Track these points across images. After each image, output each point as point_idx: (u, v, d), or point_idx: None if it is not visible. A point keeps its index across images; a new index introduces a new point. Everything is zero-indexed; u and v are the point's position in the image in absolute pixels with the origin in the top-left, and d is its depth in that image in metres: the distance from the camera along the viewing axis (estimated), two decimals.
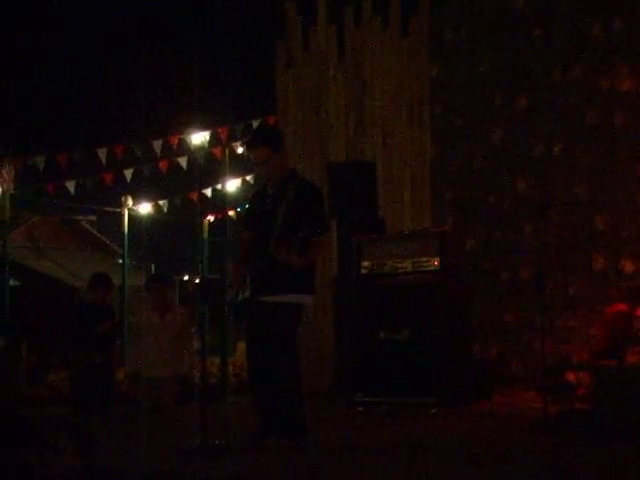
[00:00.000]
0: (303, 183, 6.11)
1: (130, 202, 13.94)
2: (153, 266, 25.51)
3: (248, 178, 12.65)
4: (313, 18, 10.02)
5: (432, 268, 7.80)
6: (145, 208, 14.91)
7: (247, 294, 5.84)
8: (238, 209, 12.69)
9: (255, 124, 12.86)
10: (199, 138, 13.02)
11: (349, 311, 8.21)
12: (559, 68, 8.75)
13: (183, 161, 13.19)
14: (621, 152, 8.34)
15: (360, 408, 7.68)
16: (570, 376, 7.76)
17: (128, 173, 13.16)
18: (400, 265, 7.97)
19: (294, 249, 5.58)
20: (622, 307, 7.30)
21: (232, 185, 12.36)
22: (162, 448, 5.87)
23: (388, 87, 9.71)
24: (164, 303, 8.63)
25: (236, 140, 11.50)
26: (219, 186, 13.99)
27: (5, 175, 12.16)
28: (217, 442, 5.70)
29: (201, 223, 13.46)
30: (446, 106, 9.64)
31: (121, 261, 16.82)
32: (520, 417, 6.91)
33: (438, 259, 7.79)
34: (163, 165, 13.17)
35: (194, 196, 14.42)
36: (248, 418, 5.94)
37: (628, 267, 8.24)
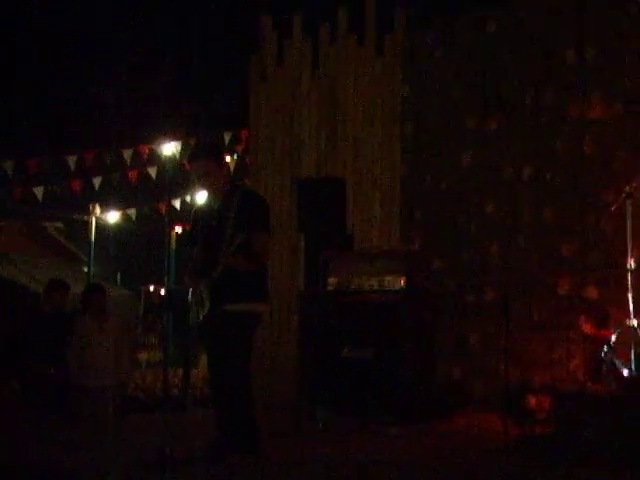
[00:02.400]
0: (246, 193, 6.16)
1: (98, 210, 13.85)
2: (119, 275, 25.36)
3: None
4: (288, 33, 10.04)
5: (398, 287, 7.81)
6: (113, 217, 14.83)
7: (206, 310, 5.86)
8: None
9: (227, 137, 12.86)
10: (170, 149, 12.99)
11: (314, 327, 8.20)
12: (531, 93, 8.80)
13: (153, 171, 13.15)
14: (588, 178, 8.40)
15: (321, 424, 7.66)
16: (531, 400, 7.77)
17: (97, 181, 13.09)
18: (366, 283, 7.98)
19: (237, 251, 5.61)
20: (590, 329, 7.35)
21: (201, 197, 12.32)
22: (118, 459, 5.81)
23: (361, 104, 9.73)
24: (102, 313, 8.63)
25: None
26: (188, 198, 13.97)
27: None
28: (175, 454, 5.66)
29: (169, 234, 13.41)
30: (417, 126, 9.67)
31: (87, 269, 16.71)
32: (481, 439, 6.92)
33: (404, 278, 7.80)
34: (132, 174, 13.13)
35: (162, 207, 14.38)
36: (208, 431, 5.90)
37: (592, 293, 8.28)
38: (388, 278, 7.90)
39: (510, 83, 8.97)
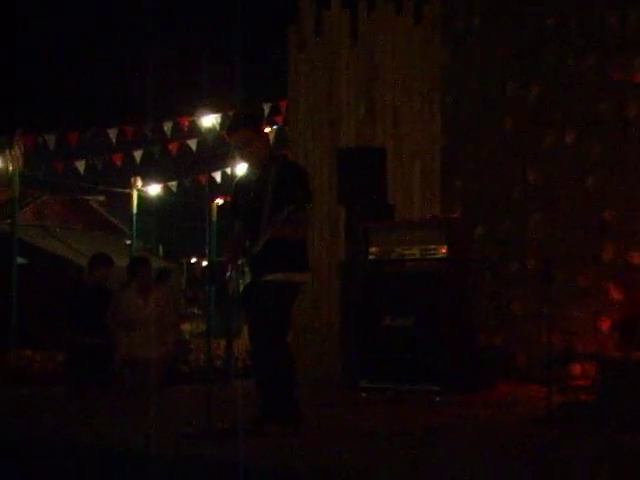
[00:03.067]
0: (286, 164, 6.13)
1: (139, 183, 13.97)
2: (161, 248, 25.54)
3: None
4: (326, 3, 9.99)
5: (439, 256, 7.79)
6: (154, 189, 14.94)
7: (247, 280, 5.88)
8: None
9: (267, 108, 12.87)
10: (210, 121, 13.03)
11: (355, 297, 8.21)
12: (572, 57, 8.70)
13: (193, 143, 13.20)
14: (632, 143, 8.30)
15: (364, 394, 7.69)
16: (575, 367, 7.75)
17: (138, 154, 13.18)
18: (408, 252, 7.97)
19: (285, 221, 5.62)
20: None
21: (242, 168, 12.36)
22: (164, 431, 5.87)
23: (400, 74, 9.68)
24: (147, 286, 8.70)
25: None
26: (228, 170, 14.01)
27: (15, 153, 12.18)
28: (221, 426, 5.71)
29: (209, 206, 13.49)
30: (457, 94, 9.60)
31: (129, 242, 16.86)
32: (524, 408, 6.91)
33: (446, 247, 7.78)
34: (173, 147, 13.19)
35: (203, 179, 14.44)
36: (251, 402, 5.95)
37: (637, 259, 8.20)
38: (429, 247, 7.89)
39: (551, 48, 8.87)
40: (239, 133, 6.03)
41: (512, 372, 8.39)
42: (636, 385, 5.81)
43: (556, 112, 8.83)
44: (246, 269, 5.90)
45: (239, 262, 5.94)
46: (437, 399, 7.34)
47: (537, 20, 9.00)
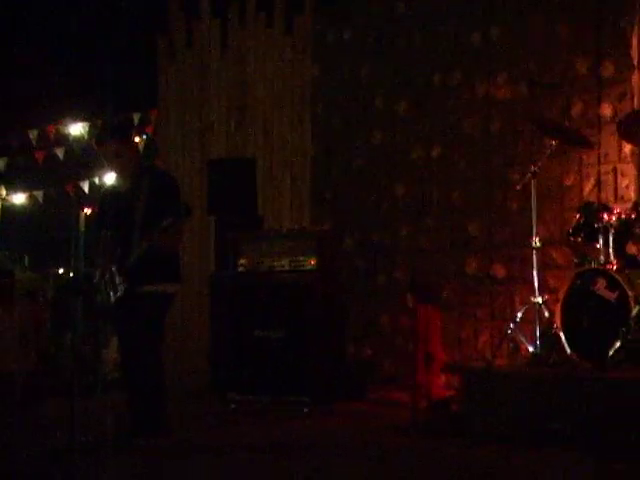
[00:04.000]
0: (157, 174, 6.10)
1: (3, 192, 13.57)
2: (27, 258, 24.88)
3: None
4: (196, 12, 9.95)
5: (309, 267, 7.82)
6: (19, 199, 14.54)
7: (119, 291, 5.81)
8: None
9: (136, 118, 12.69)
10: (77, 129, 12.76)
11: (225, 309, 8.17)
12: (439, 74, 8.89)
13: (60, 152, 12.92)
14: (495, 158, 8.53)
15: (233, 406, 7.65)
16: (440, 378, 7.87)
17: (2, 162, 12.82)
18: (277, 263, 7.97)
19: (163, 233, 5.58)
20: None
21: (110, 179, 12.15)
22: (26, 447, 5.72)
23: (270, 85, 9.71)
24: (10, 298, 8.48)
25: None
26: (97, 179, 13.76)
27: None
28: (85, 440, 5.59)
29: (77, 216, 13.17)
30: (328, 107, 9.69)
31: None
32: (391, 417, 6.98)
33: (315, 258, 7.81)
34: (39, 156, 12.88)
35: (70, 188, 14.14)
36: (119, 414, 5.85)
37: (499, 272, 8.43)
38: (299, 258, 7.90)
39: (419, 64, 9.04)
40: (108, 144, 5.97)
41: (381, 382, 8.48)
42: (499, 395, 5.94)
43: (423, 127, 9.00)
44: (117, 280, 5.83)
45: (108, 273, 5.86)
46: (306, 410, 7.36)
47: (405, 36, 9.16)
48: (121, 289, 5.81)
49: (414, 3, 9.15)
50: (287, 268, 7.91)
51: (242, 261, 8.08)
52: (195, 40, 9.93)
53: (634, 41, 7.81)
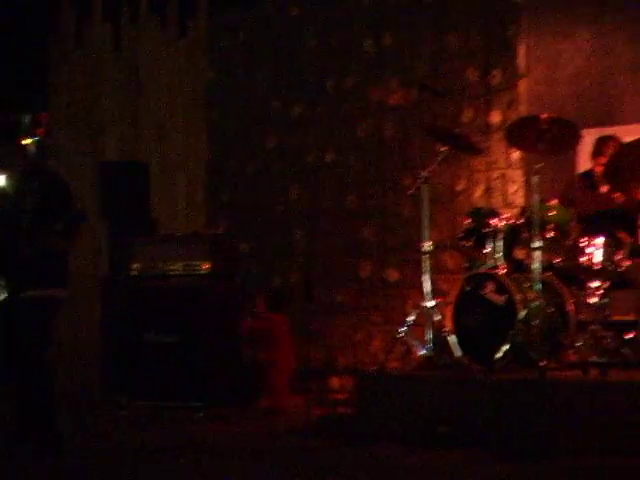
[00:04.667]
0: (47, 177, 5.99)
1: None
2: None
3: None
4: (88, 12, 9.79)
5: (203, 271, 7.77)
6: None
7: (3, 295, 5.68)
8: None
9: (26, 119, 12.39)
10: None
11: (117, 313, 8.06)
12: (332, 79, 8.96)
13: None
14: (388, 163, 8.63)
15: (124, 412, 7.55)
16: (334, 381, 7.94)
17: None
18: (171, 267, 7.90)
19: (56, 237, 5.49)
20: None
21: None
22: None
23: (164, 88, 9.62)
24: None
25: None
26: None
27: None
28: None
29: None
30: (223, 110, 9.66)
31: None
32: (285, 421, 6.99)
33: (209, 262, 7.77)
34: None
35: None
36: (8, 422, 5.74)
37: (392, 276, 8.53)
38: (193, 262, 7.85)
39: (313, 68, 9.09)
40: None
41: (276, 386, 8.47)
42: (391, 398, 6.00)
43: (317, 131, 9.05)
44: (1, 283, 5.70)
45: None
46: (200, 414, 7.31)
47: (299, 41, 9.20)
48: (3, 294, 5.69)
49: (307, 7, 9.20)
50: (181, 272, 7.86)
51: (135, 265, 7.99)
52: (86, 41, 9.78)
53: (520, 50, 8.02)
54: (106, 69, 9.69)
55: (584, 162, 7.41)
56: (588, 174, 6.71)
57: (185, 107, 9.63)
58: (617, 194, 6.38)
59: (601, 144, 6.61)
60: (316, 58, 9.10)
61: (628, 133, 6.64)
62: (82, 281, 9.11)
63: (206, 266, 7.78)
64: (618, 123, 7.55)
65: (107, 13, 9.72)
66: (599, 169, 6.47)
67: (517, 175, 7.99)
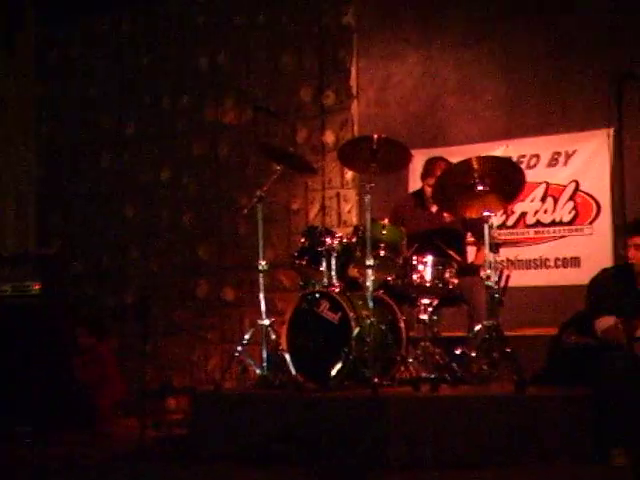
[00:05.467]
0: None
1: None
2: None
3: None
4: None
5: (33, 292, 7.55)
6: None
7: None
8: None
9: None
10: None
11: None
12: (168, 96, 8.90)
13: None
14: (224, 182, 8.63)
15: None
16: (170, 402, 7.85)
17: None
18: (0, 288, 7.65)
19: None
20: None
21: None
22: None
23: None
24: None
25: None
26: None
27: None
28: None
29: None
30: (53, 126, 9.44)
31: None
32: (119, 443, 6.86)
33: (40, 283, 7.56)
34: None
35: None
36: None
37: (229, 295, 8.52)
38: (23, 283, 7.62)
39: (147, 85, 9.01)
40: None
41: (103, 409, 8.30)
42: (227, 417, 5.97)
43: (152, 149, 8.97)
44: None
45: None
46: (28, 440, 7.08)
47: (135, 57, 9.11)
48: None
49: (142, 24, 9.11)
50: (10, 293, 7.61)
51: None
52: None
53: (353, 71, 8.17)
54: None
55: (415, 182, 7.61)
56: (418, 193, 6.87)
57: (14, 124, 9.36)
58: (446, 213, 6.55)
59: (429, 165, 6.77)
60: (150, 74, 9.02)
61: (455, 154, 6.84)
62: None
63: (36, 287, 7.57)
64: (446, 144, 7.79)
65: None
66: (428, 189, 6.63)
67: (351, 194, 8.13)
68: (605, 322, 5.42)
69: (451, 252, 6.34)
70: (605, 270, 5.71)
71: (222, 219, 8.62)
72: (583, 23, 7.45)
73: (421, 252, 6.18)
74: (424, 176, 6.79)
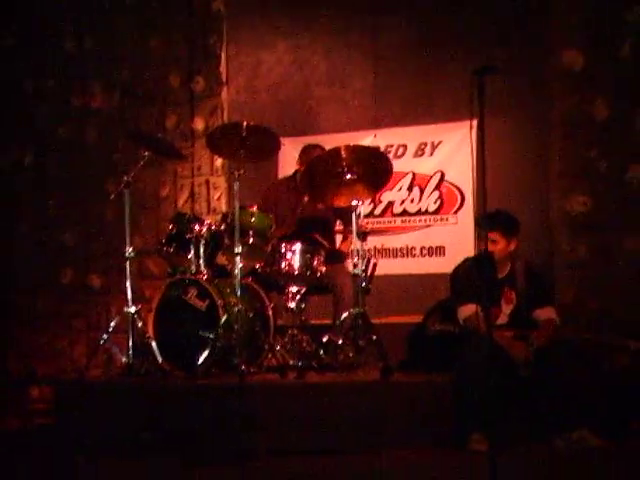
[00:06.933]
0: None
1: None
2: None
3: None
4: None
5: None
6: None
7: None
8: None
9: None
10: None
11: None
12: (31, 79, 8.69)
13: None
14: (91, 168, 8.48)
15: None
16: (33, 391, 7.68)
17: None
18: None
19: None
20: None
21: None
22: None
23: None
24: None
25: None
26: None
27: None
28: None
29: None
30: None
31: None
32: None
33: None
34: None
35: None
36: None
37: (95, 282, 8.40)
38: None
39: (8, 66, 8.77)
40: None
41: None
42: (92, 406, 5.88)
43: (16, 132, 8.75)
44: None
45: None
46: None
47: None
48: None
49: (2, 3, 8.85)
50: None
51: None
52: None
53: (223, 58, 8.14)
54: None
55: (284, 169, 7.65)
56: (292, 178, 6.87)
57: None
58: (315, 201, 6.59)
59: (303, 153, 6.80)
60: (15, 58, 8.78)
61: (325, 142, 6.88)
62: None
63: None
64: (316, 132, 7.85)
65: None
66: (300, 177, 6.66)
67: (220, 181, 8.10)
68: (467, 310, 5.56)
69: (320, 240, 6.39)
70: (467, 259, 5.85)
71: (88, 205, 8.47)
72: (450, 19, 7.61)
73: (289, 240, 6.21)
74: (299, 163, 6.82)
